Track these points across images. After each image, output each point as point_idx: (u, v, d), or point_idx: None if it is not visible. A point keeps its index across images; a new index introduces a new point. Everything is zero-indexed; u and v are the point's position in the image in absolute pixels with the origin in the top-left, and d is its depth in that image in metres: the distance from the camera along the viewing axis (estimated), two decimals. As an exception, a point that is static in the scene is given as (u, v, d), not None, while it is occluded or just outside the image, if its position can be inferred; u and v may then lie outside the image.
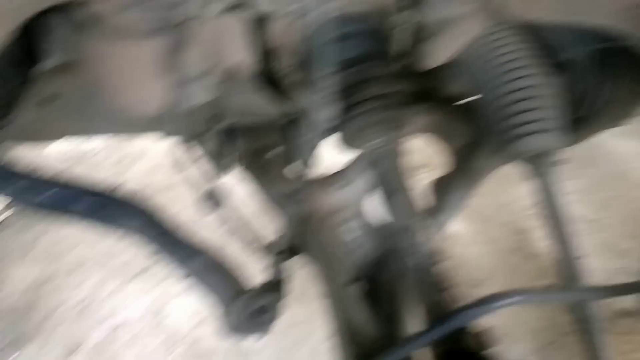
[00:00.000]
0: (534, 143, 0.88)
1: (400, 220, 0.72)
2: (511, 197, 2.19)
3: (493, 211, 2.15)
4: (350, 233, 0.91)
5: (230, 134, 0.97)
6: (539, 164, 0.88)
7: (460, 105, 1.16)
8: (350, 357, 0.75)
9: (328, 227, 0.90)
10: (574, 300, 0.66)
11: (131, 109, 0.72)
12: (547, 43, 0.97)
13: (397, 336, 0.79)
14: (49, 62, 0.76)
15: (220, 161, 0.98)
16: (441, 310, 0.63)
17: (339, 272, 0.84)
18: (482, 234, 2.10)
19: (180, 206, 2.06)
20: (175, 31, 0.63)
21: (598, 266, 1.90)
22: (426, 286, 0.66)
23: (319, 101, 0.60)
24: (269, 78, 0.96)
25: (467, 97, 1.20)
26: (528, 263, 1.95)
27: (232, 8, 0.65)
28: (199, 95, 0.68)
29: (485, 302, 0.54)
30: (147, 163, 2.24)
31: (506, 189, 2.10)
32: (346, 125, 0.79)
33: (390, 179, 0.75)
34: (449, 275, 0.66)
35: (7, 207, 2.03)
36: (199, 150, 1.00)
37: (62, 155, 2.23)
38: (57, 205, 0.92)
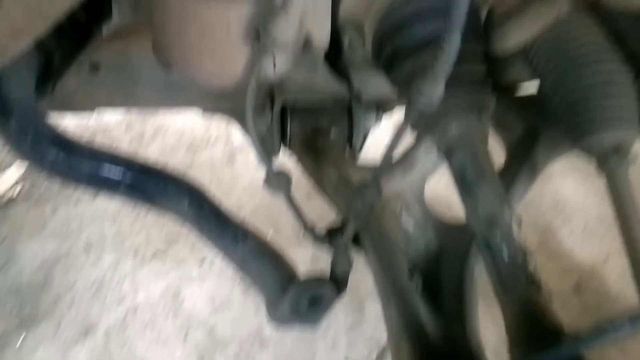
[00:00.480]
0: (611, 137, 0.83)
1: (489, 210, 0.67)
2: (535, 194, 2.15)
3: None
4: (411, 221, 0.87)
5: (285, 113, 0.93)
6: (612, 159, 0.83)
7: (515, 98, 1.12)
8: (413, 356, 0.71)
9: (389, 213, 0.85)
10: None
11: (209, 78, 0.67)
12: (620, 34, 0.93)
13: (463, 336, 0.75)
14: (114, 21, 0.70)
15: (274, 141, 0.93)
16: (535, 310, 0.58)
17: (399, 263, 0.80)
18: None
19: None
20: None
21: (618, 269, 1.88)
22: (520, 282, 0.61)
23: (420, 82, 0.54)
24: (331, 55, 0.91)
25: (522, 87, 1.16)
26: (552, 262, 1.92)
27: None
28: (281, 66, 0.63)
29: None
30: (168, 140, 2.18)
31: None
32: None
33: (476, 166, 0.70)
34: (539, 272, 0.62)
35: (23, 178, 1.97)
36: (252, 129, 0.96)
37: (78, 128, 2.17)
38: (100, 180, 0.87)
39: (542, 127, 1.03)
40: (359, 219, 0.73)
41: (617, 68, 0.86)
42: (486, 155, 0.72)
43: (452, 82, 0.72)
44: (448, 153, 0.74)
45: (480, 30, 0.80)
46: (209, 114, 1.10)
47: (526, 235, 2.04)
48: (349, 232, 0.76)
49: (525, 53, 0.92)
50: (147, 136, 2.20)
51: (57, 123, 0.80)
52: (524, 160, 0.99)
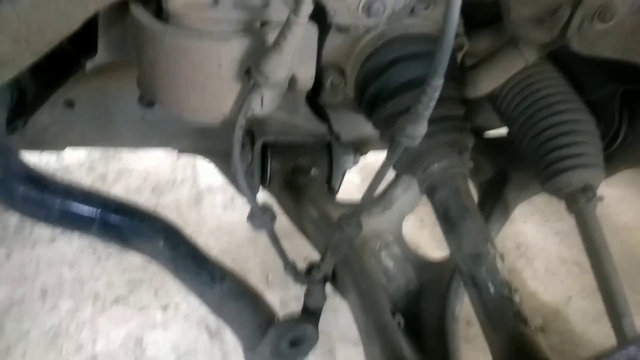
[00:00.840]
0: (576, 178, 0.87)
1: (473, 246, 0.68)
2: (498, 236, 2.20)
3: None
4: (391, 259, 0.87)
5: (266, 152, 0.93)
6: (580, 199, 0.87)
7: (484, 140, 1.16)
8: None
9: (369, 251, 0.86)
10: None
11: (196, 114, 0.67)
12: (578, 80, 0.99)
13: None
14: (97, 58, 0.69)
15: (253, 180, 0.93)
16: (524, 343, 0.59)
17: (381, 300, 0.79)
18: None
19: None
20: (258, 34, 0.59)
21: (581, 308, 1.93)
22: (506, 317, 0.62)
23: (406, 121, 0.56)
24: (312, 96, 0.93)
25: (489, 130, 1.21)
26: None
27: (314, 16, 0.62)
28: (269, 104, 0.64)
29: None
30: (132, 182, 2.13)
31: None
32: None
33: (458, 203, 0.71)
34: (523, 307, 0.63)
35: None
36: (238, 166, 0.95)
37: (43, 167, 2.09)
38: (73, 218, 0.83)
39: (511, 169, 1.07)
40: (338, 253, 0.73)
41: (581, 113, 0.91)
42: (468, 193, 0.74)
43: (434, 123, 0.75)
44: (431, 191, 0.75)
45: (458, 75, 0.84)
46: (183, 153, 1.09)
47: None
48: (327, 265, 0.75)
49: (494, 99, 0.97)
50: (110, 178, 2.14)
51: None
52: (495, 201, 1.02)
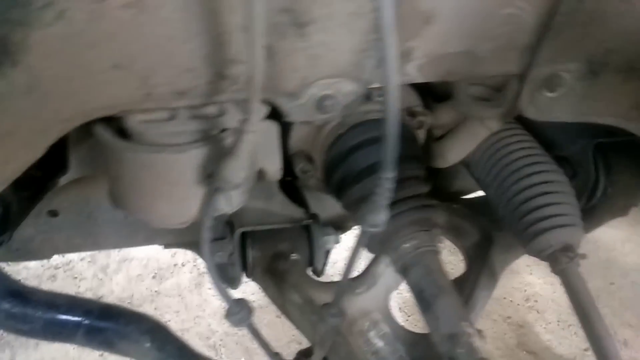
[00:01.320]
0: (555, 239, 0.87)
1: (449, 326, 0.68)
2: (505, 291, 2.16)
3: (491, 306, 2.11)
4: (380, 338, 0.86)
5: (246, 241, 0.94)
6: (562, 259, 0.86)
7: (466, 203, 1.17)
8: None
9: (357, 332, 0.85)
10: None
11: (165, 220, 0.69)
12: (548, 138, 1.01)
13: None
14: (69, 174, 0.72)
15: (235, 270, 0.93)
16: None
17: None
18: (487, 329, 2.04)
19: (169, 316, 1.96)
20: (214, 141, 0.62)
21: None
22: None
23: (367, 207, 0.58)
24: (285, 184, 0.95)
25: (468, 195, 1.22)
26: (535, 358, 1.89)
27: (267, 118, 0.65)
28: (237, 201, 0.66)
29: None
30: (133, 270, 2.14)
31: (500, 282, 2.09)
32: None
33: (431, 282, 0.71)
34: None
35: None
36: (210, 264, 0.96)
37: (41, 266, 2.11)
38: (57, 328, 0.84)
39: (496, 231, 1.07)
40: (325, 345, 0.72)
41: (554, 174, 0.92)
42: (440, 271, 0.74)
43: (399, 204, 0.77)
44: (404, 272, 0.76)
45: (419, 153, 0.86)
46: (171, 247, 1.10)
47: (505, 332, 2.02)
48: (317, 358, 0.74)
49: (467, 165, 0.99)
50: (111, 269, 2.15)
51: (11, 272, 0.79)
52: (482, 265, 1.02)
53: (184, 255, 2.21)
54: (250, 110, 0.56)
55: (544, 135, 0.99)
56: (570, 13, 0.68)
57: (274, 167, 0.74)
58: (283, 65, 0.60)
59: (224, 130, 0.64)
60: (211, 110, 0.62)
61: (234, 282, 0.96)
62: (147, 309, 1.91)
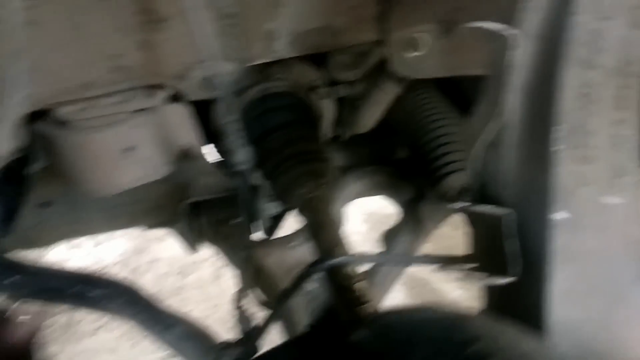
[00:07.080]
0: (457, 180, 0.99)
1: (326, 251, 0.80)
2: (456, 242, 2.19)
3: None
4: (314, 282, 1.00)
5: (196, 210, 1.12)
6: (462, 197, 0.98)
7: (403, 162, 1.29)
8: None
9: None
10: None
11: (102, 191, 0.88)
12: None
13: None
14: (35, 166, 0.93)
15: (191, 237, 1.11)
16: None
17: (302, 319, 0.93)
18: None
19: (191, 306, 2.17)
20: (129, 120, 0.81)
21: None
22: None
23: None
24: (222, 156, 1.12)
25: (407, 154, 1.34)
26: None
27: (172, 98, 0.83)
28: (158, 171, 0.85)
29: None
30: (159, 270, 2.37)
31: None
32: (276, 184, 0.92)
33: (316, 222, 0.84)
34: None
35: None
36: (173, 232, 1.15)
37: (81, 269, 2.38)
38: (48, 293, 1.05)
39: (427, 187, 1.18)
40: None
41: (454, 125, 1.04)
42: (325, 212, 0.87)
43: (293, 158, 0.92)
44: (300, 214, 0.90)
45: (311, 118, 0.99)
46: (152, 229, 1.29)
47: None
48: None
49: (391, 128, 1.12)
50: (142, 269, 2.40)
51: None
52: (412, 218, 1.14)
53: (204, 252, 2.42)
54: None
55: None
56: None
57: (193, 145, 0.91)
58: (162, 53, 0.78)
59: (136, 111, 0.83)
60: (118, 97, 0.81)
61: (192, 246, 1.15)
62: (173, 302, 2.12)
